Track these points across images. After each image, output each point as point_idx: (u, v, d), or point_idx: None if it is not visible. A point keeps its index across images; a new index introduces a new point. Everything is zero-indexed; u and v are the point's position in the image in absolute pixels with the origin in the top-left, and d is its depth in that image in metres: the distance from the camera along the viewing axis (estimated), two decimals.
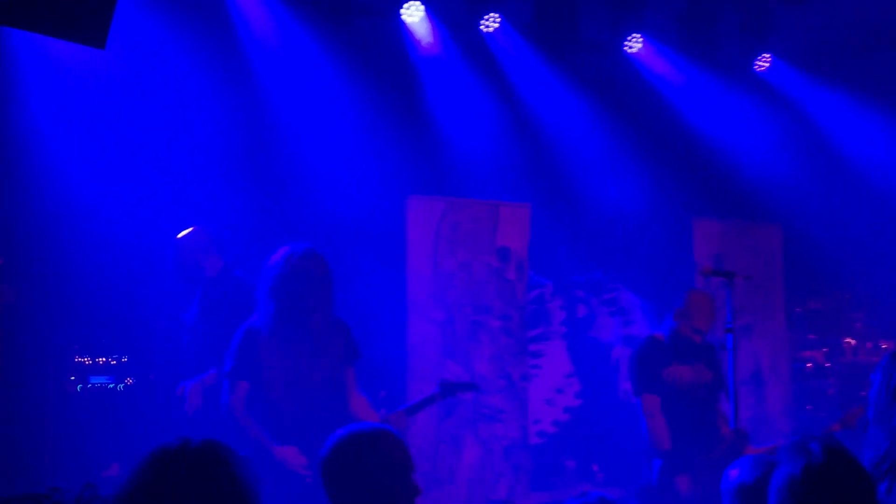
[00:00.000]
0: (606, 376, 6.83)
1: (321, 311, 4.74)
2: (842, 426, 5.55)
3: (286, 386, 4.65)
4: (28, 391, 5.69)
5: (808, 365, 8.39)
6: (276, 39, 6.75)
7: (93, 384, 5.79)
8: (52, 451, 5.54)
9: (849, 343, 8.06)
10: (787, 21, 7.52)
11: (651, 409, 5.37)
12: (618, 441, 5.62)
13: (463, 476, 6.49)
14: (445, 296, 6.63)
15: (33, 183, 6.02)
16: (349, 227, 6.81)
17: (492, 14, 7.09)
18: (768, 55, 8.00)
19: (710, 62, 7.91)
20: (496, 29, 7.19)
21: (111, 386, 5.86)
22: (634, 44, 7.65)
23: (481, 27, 7.17)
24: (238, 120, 6.66)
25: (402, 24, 6.98)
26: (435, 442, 6.41)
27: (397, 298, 6.68)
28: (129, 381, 5.88)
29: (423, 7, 6.89)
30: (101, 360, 5.87)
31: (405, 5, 6.84)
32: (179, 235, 5.63)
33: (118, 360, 5.91)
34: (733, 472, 2.87)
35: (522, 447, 6.77)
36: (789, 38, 7.83)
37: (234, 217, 6.46)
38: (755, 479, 2.76)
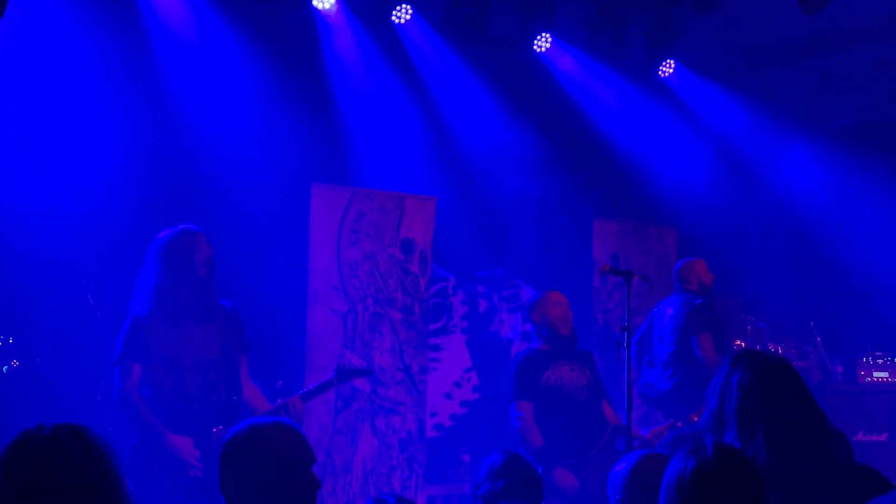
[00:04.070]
0: (504, 371, 6.86)
1: (200, 290, 4.67)
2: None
3: (173, 370, 4.62)
4: None
5: None
6: (180, 20, 6.60)
7: None
8: None
9: (738, 345, 8.30)
10: (692, 29, 7.69)
11: (523, 414, 5.54)
12: (514, 436, 5.69)
13: (358, 468, 6.47)
14: (348, 286, 6.59)
15: None
16: (251, 214, 6.71)
17: (403, 5, 7.07)
18: (672, 61, 8.18)
19: (616, 65, 8.04)
20: (408, 21, 7.16)
21: None
22: (543, 43, 7.72)
23: (393, 18, 7.13)
24: (138, 102, 6.48)
25: (313, 10, 6.90)
26: (332, 433, 6.37)
27: (298, 287, 6.61)
28: (15, 363, 5.68)
29: None
30: None
31: None
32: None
33: (3, 341, 5.70)
34: (619, 467, 2.95)
35: (419, 440, 6.79)
36: (693, 46, 8.01)
37: (132, 202, 6.29)
38: (630, 467, 2.85)
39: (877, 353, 8.28)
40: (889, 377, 8.14)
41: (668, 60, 8.13)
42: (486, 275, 8.27)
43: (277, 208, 6.88)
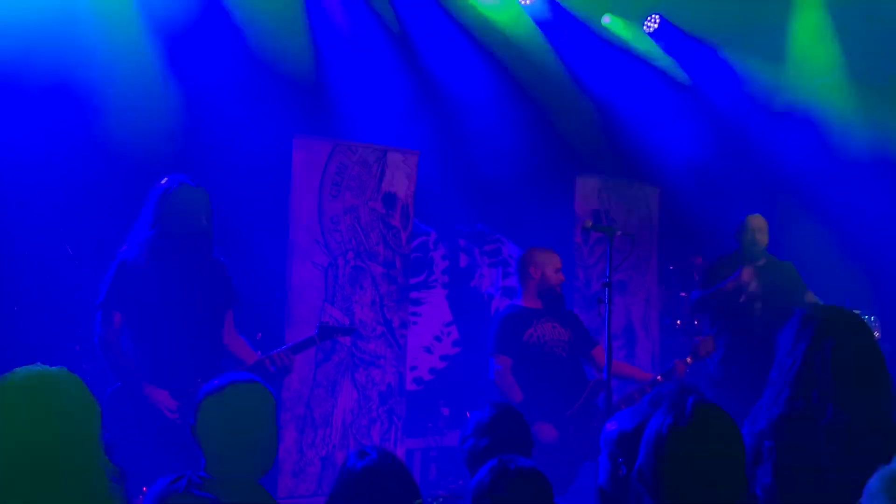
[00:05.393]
0: (485, 326, 6.91)
1: (198, 245, 4.64)
2: (693, 359, 5.75)
3: (160, 321, 4.55)
4: None
5: (678, 322, 8.66)
6: None
7: None
8: None
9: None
10: None
11: (501, 368, 5.56)
12: (493, 390, 5.72)
13: (338, 420, 6.49)
14: (329, 240, 6.57)
15: None
16: (233, 166, 6.65)
17: None
18: (657, 16, 8.11)
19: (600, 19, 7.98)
20: None
21: None
22: None
23: None
24: (116, 54, 6.38)
25: None
26: (312, 386, 6.38)
27: (280, 240, 6.58)
28: None
29: None
30: None
31: None
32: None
33: None
34: (611, 425, 2.94)
35: (398, 393, 6.82)
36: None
37: (112, 152, 6.22)
38: (633, 427, 2.84)
39: (856, 312, 8.30)
40: None
41: (653, 15, 8.07)
42: (467, 230, 8.26)
43: (258, 161, 6.81)
